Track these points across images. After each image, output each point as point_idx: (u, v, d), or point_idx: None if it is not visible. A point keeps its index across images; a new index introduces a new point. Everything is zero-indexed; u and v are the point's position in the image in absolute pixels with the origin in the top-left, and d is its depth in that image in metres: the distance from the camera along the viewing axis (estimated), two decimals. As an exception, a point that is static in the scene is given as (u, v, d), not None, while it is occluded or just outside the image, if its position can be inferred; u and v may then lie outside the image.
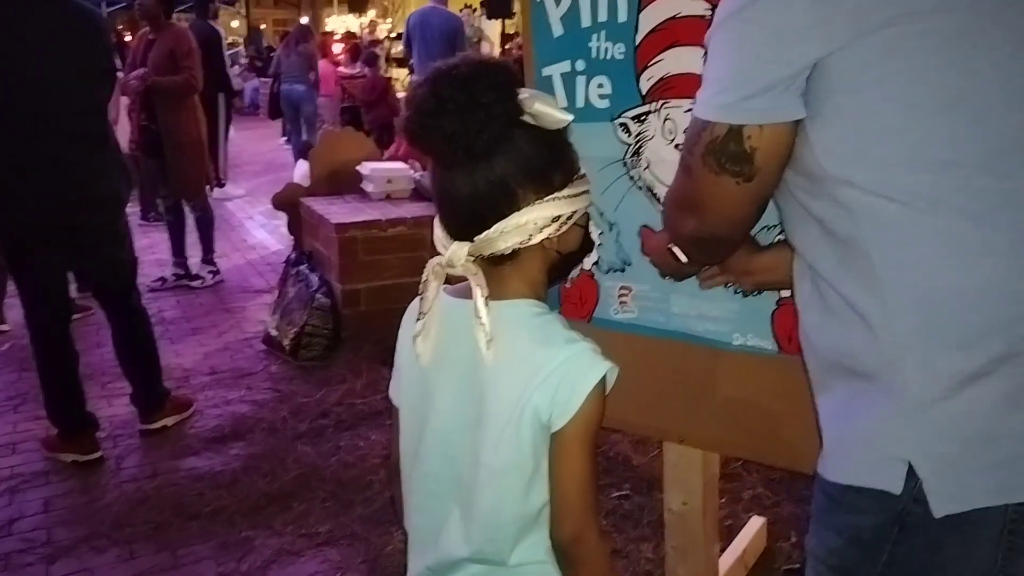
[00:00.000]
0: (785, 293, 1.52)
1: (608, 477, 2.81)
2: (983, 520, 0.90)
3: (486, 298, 1.09)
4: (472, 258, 1.11)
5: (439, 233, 1.16)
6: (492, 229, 1.09)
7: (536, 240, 1.11)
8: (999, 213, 0.89)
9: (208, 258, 5.39)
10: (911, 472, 0.92)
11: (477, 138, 1.05)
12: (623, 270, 1.73)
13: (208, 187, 5.41)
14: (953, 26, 0.89)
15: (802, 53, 0.93)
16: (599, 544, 1.14)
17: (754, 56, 0.96)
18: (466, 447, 1.14)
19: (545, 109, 1.09)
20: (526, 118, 1.09)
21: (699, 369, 1.66)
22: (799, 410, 1.57)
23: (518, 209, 1.09)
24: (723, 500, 2.50)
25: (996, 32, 0.90)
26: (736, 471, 2.80)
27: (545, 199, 1.10)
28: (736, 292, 1.57)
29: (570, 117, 1.12)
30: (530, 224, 1.09)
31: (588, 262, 1.76)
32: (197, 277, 5.27)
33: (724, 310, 1.60)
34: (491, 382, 1.11)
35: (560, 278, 1.27)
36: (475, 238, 1.10)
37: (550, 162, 1.12)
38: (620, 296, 1.74)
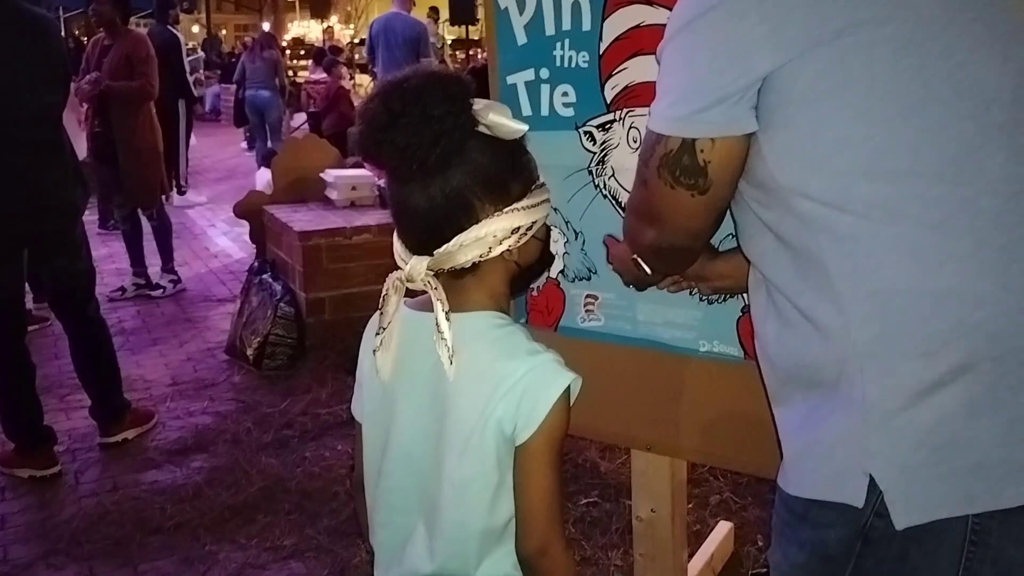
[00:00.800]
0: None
1: (576, 484, 2.81)
2: (945, 531, 0.90)
3: (447, 312, 1.08)
4: (432, 272, 1.10)
5: (398, 247, 1.15)
6: (451, 243, 1.08)
7: (496, 252, 1.10)
8: (955, 220, 0.89)
9: (168, 267, 5.30)
10: (872, 484, 0.92)
11: (431, 151, 1.03)
12: (589, 278, 1.73)
13: (164, 196, 5.31)
14: (905, 35, 0.89)
15: (754, 65, 0.92)
16: (565, 556, 1.13)
17: (706, 68, 0.95)
18: (430, 461, 1.13)
19: (500, 120, 1.08)
20: (481, 129, 1.08)
21: (666, 376, 1.66)
22: (766, 416, 1.58)
23: (476, 222, 1.08)
24: (690, 505, 2.51)
25: (947, 40, 0.90)
26: (703, 476, 2.81)
27: (504, 211, 1.09)
28: (701, 299, 1.57)
29: (525, 127, 1.11)
30: (489, 236, 1.08)
31: (554, 270, 1.76)
32: (157, 287, 5.19)
33: (689, 317, 1.61)
34: (454, 395, 1.10)
35: (521, 291, 1.26)
36: (434, 252, 1.09)
37: (507, 173, 1.11)
38: (586, 304, 1.74)
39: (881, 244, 0.91)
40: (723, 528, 2.48)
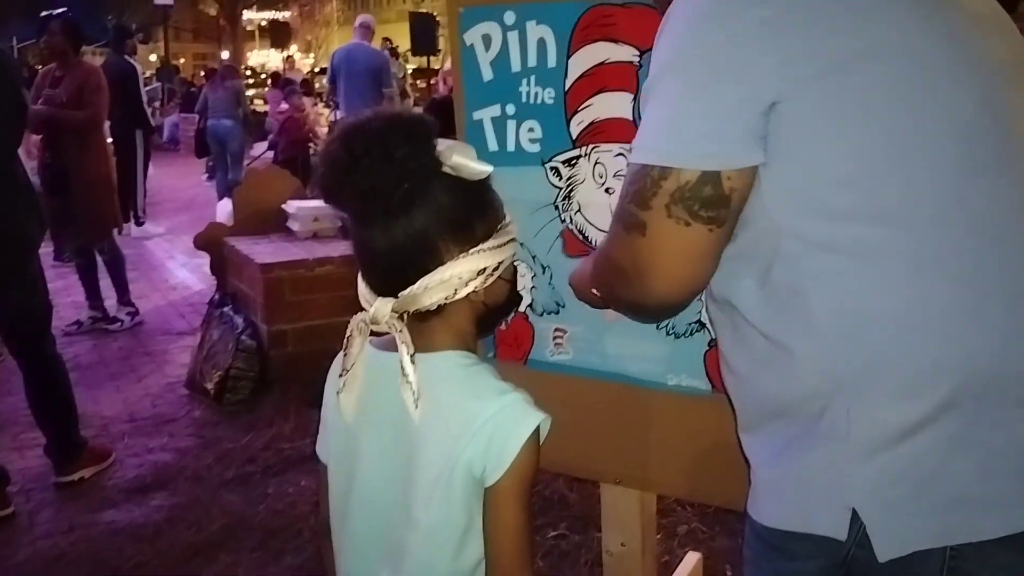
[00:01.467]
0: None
1: (544, 516, 2.79)
2: (924, 560, 0.91)
3: (412, 355, 1.07)
4: (396, 314, 1.09)
5: (362, 289, 1.14)
6: (416, 285, 1.07)
7: (462, 294, 1.09)
8: (941, 261, 0.90)
9: (124, 299, 5.20)
10: (855, 517, 0.93)
11: (393, 193, 1.02)
12: (557, 312, 1.73)
13: (118, 229, 5.22)
14: (899, 72, 0.91)
15: (763, 95, 0.91)
16: None
17: (721, 97, 0.92)
18: (395, 505, 1.11)
19: (464, 161, 1.07)
20: (446, 169, 1.07)
21: (635, 410, 1.67)
22: (734, 449, 1.58)
23: (441, 263, 1.07)
24: (659, 535, 2.50)
25: (938, 80, 0.92)
26: (670, 506, 2.81)
27: (469, 252, 1.08)
28: (668, 333, 1.58)
29: (490, 168, 1.10)
30: (454, 279, 1.07)
31: (523, 304, 1.76)
32: (115, 320, 5.09)
33: (657, 351, 1.62)
34: (420, 437, 1.09)
35: (489, 331, 1.25)
36: (399, 294, 1.08)
37: (472, 213, 1.10)
38: (555, 338, 1.74)
39: (868, 282, 0.92)
40: (692, 559, 2.47)
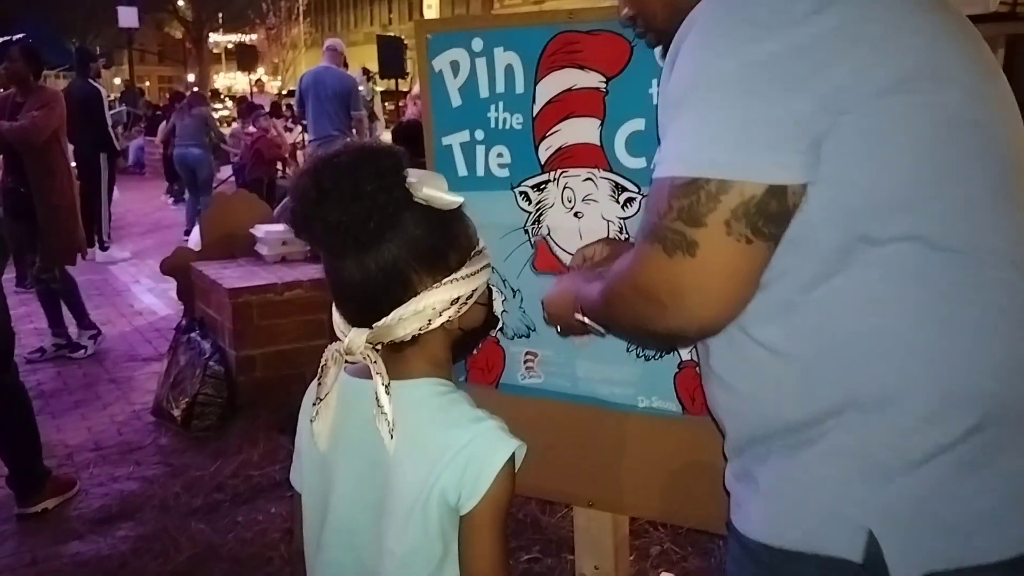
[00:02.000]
0: (686, 356, 1.56)
1: (517, 540, 2.78)
2: None
3: (387, 386, 1.07)
4: (371, 345, 1.09)
5: (337, 319, 1.14)
6: (390, 316, 1.07)
7: (436, 324, 1.09)
8: (972, 288, 0.90)
9: (84, 323, 5.10)
10: (870, 538, 0.91)
11: (364, 227, 1.02)
12: (528, 336, 1.74)
13: (81, 254, 5.12)
14: (939, 99, 0.90)
15: (837, 102, 0.87)
16: None
17: (787, 105, 0.87)
18: (369, 534, 1.11)
19: (435, 193, 1.07)
20: (417, 200, 1.07)
21: (606, 432, 1.67)
22: (707, 470, 1.59)
23: (415, 294, 1.07)
24: (631, 557, 2.50)
25: (974, 107, 0.93)
26: (643, 527, 2.81)
27: (442, 282, 1.09)
28: (639, 356, 1.59)
29: (460, 199, 1.10)
30: (428, 309, 1.08)
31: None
32: (79, 347, 5.00)
33: (628, 373, 1.63)
34: (395, 466, 1.08)
35: (465, 354, 1.25)
36: (373, 325, 1.08)
37: (444, 244, 1.10)
38: (526, 361, 1.75)
39: (899, 307, 0.91)
40: (665, 579, 2.48)
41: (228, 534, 2.94)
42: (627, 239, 1.58)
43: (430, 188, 1.07)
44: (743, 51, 0.89)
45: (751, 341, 0.99)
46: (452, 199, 1.09)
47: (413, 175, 1.07)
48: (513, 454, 1.08)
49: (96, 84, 7.38)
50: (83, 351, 4.98)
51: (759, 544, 1.01)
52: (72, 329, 5.07)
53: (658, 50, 1.31)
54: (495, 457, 1.06)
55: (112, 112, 8.15)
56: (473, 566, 1.07)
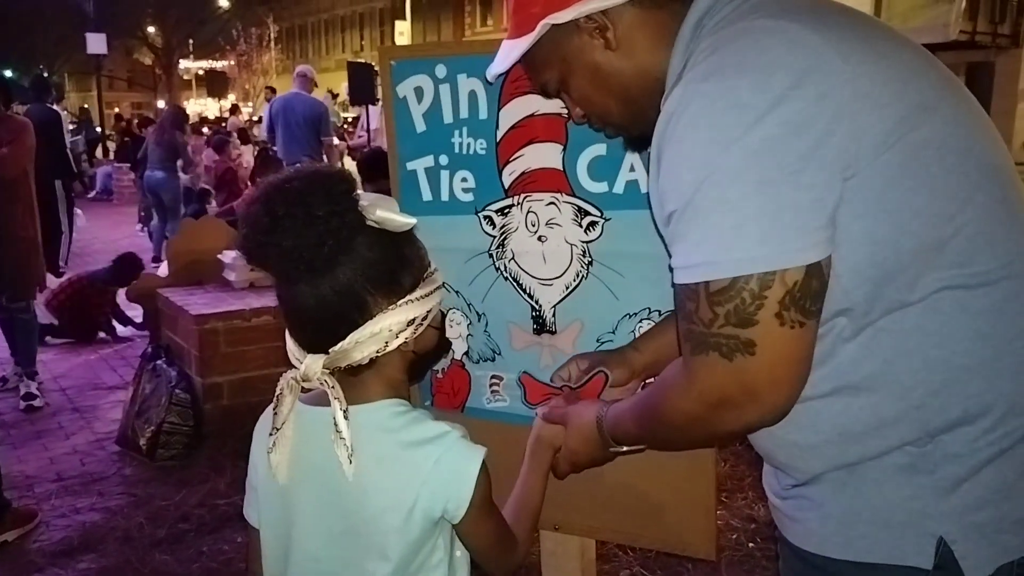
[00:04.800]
0: (649, 380, 1.56)
1: (486, 566, 2.76)
2: (998, 573, 0.95)
3: (345, 410, 1.07)
4: (328, 371, 1.09)
5: (291, 346, 1.13)
6: (346, 340, 1.07)
7: (393, 346, 1.09)
8: (1011, 303, 0.94)
9: (31, 370, 4.67)
10: (940, 544, 0.95)
11: (317, 252, 1.03)
12: (493, 359, 1.74)
13: (39, 287, 4.96)
14: (936, 132, 0.93)
15: (843, 169, 0.88)
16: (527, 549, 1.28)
17: (800, 185, 0.88)
18: (341, 561, 1.11)
19: (388, 216, 1.08)
20: (370, 223, 1.07)
21: (571, 455, 1.67)
22: (673, 493, 1.60)
23: (371, 317, 1.07)
24: (601, 582, 2.50)
25: (965, 133, 0.96)
26: (612, 551, 2.81)
27: (398, 304, 1.09)
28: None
29: (413, 220, 1.11)
30: (384, 331, 1.08)
31: (459, 352, 1.77)
32: (31, 396, 4.59)
33: (593, 396, 1.63)
34: (361, 491, 1.08)
35: (419, 378, 1.26)
36: (330, 350, 1.08)
37: (398, 265, 1.11)
38: (492, 385, 1.75)
39: (950, 339, 0.93)
40: (634, 604, 2.47)
41: (193, 564, 2.89)
42: (590, 262, 1.59)
43: (383, 211, 1.07)
44: (740, 141, 0.88)
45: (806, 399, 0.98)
46: (405, 220, 1.09)
47: (365, 198, 1.08)
48: (484, 460, 1.13)
49: (55, 108, 7.28)
50: (39, 398, 4.64)
51: (822, 558, 1.03)
52: (8, 367, 4.79)
53: (620, 139, 1.30)
54: (470, 467, 1.10)
55: (71, 140, 8.03)
56: (480, 546, 1.18)
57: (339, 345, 1.07)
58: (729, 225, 0.89)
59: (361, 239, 1.07)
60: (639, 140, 1.21)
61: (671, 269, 0.97)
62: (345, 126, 13.93)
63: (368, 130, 9.09)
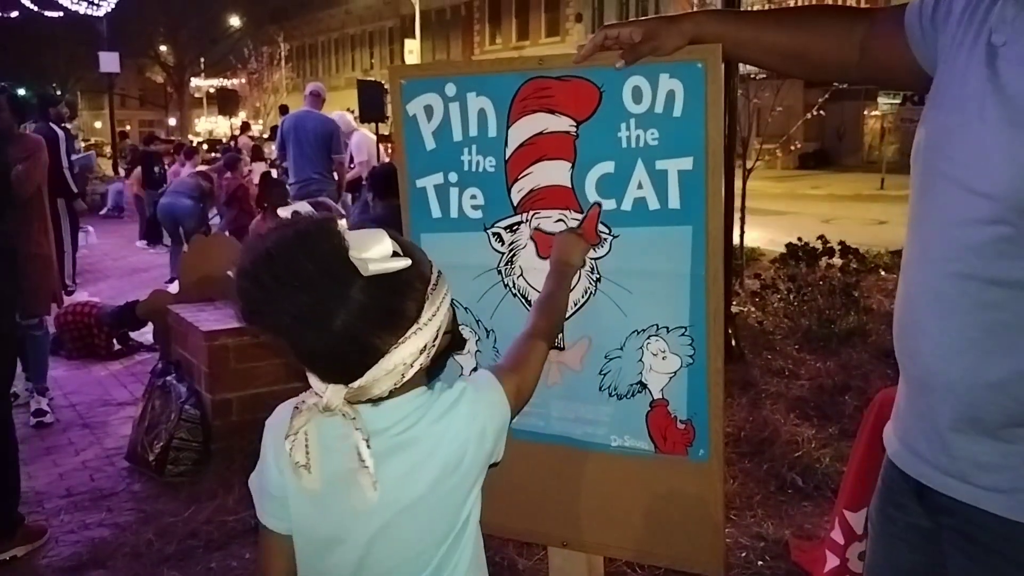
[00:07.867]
0: (657, 395, 1.57)
1: (494, 583, 2.75)
2: None
3: (367, 440, 1.08)
4: (349, 402, 1.10)
5: (312, 377, 1.13)
6: (363, 379, 1.08)
7: (410, 375, 1.10)
8: None
9: (42, 385, 4.69)
10: None
11: (315, 312, 1.03)
12: (501, 376, 1.74)
13: (56, 303, 5.01)
14: None
15: None
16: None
17: None
18: (408, 543, 1.16)
19: (382, 265, 1.06)
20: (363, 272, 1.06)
21: (579, 472, 1.68)
22: (682, 511, 1.60)
23: (382, 355, 1.08)
24: (609, 600, 2.49)
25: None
26: (620, 568, 2.80)
27: (407, 336, 1.09)
28: (611, 395, 1.61)
29: (408, 262, 1.09)
30: (400, 365, 1.09)
31: (467, 368, 1.77)
32: (42, 412, 4.63)
33: (600, 413, 1.64)
34: (401, 477, 1.12)
35: (438, 374, 1.26)
36: (349, 385, 1.08)
37: (399, 301, 1.09)
38: (499, 402, 1.75)
39: None
40: (643, 622, 2.46)
41: (201, 581, 2.89)
42: (598, 279, 1.60)
43: (376, 261, 1.05)
44: None
45: None
46: (400, 264, 1.08)
47: (353, 245, 1.06)
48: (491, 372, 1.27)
49: (56, 128, 7.33)
50: (49, 414, 4.67)
51: None
52: (20, 384, 4.76)
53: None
54: (492, 395, 1.24)
55: (79, 157, 8.07)
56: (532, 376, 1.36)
57: (357, 383, 1.08)
58: None
59: (356, 289, 1.05)
60: None
61: None
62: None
63: (354, 163, 9.16)
